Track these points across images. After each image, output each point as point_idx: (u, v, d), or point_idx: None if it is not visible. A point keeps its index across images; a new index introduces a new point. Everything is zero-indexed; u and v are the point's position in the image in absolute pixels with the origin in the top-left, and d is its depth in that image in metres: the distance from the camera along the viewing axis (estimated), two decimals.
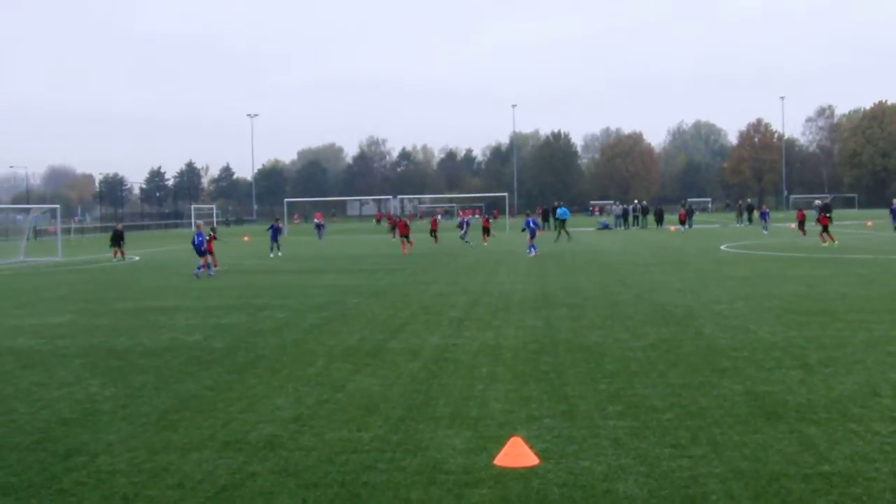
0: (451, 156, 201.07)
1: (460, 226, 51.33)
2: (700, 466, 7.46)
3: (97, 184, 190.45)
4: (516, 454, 7.68)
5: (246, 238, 47.70)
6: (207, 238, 31.69)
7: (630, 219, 76.01)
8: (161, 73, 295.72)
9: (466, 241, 48.05)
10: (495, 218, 56.52)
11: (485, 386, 10.92)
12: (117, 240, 44.60)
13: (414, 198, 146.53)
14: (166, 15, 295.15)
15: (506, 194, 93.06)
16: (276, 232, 43.52)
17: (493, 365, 12.34)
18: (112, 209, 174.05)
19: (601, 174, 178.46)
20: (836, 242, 38.98)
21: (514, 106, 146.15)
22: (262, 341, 15.22)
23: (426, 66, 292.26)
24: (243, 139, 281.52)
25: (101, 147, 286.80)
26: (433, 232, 53.18)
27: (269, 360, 13.29)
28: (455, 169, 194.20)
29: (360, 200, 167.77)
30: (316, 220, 66.02)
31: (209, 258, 31.42)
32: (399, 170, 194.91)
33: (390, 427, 9.01)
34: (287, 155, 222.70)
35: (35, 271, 37.42)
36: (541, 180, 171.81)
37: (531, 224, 39.79)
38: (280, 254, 42.18)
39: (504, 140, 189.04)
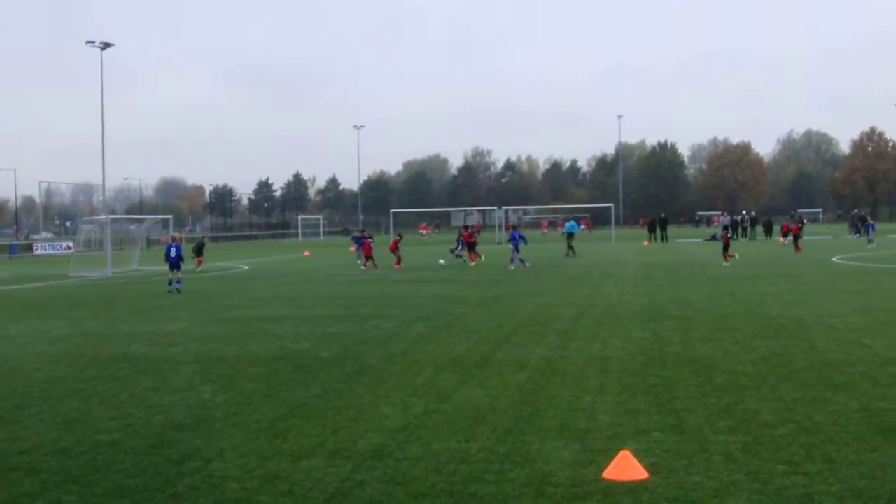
0: (555, 166, 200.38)
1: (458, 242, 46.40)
2: (815, 484, 7.28)
3: (207, 194, 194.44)
4: (625, 467, 7.60)
5: (351, 248, 48.21)
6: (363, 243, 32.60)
7: (738, 230, 74.63)
8: (270, 89, 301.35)
9: (459, 256, 45.70)
10: (478, 231, 49.07)
11: (593, 398, 10.84)
12: (200, 249, 46.76)
13: (518, 208, 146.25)
14: (275, 37, 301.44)
15: (611, 205, 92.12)
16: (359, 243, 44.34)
17: (601, 377, 12.24)
18: (222, 219, 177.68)
19: (708, 185, 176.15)
20: (728, 263, 37.57)
21: (619, 116, 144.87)
22: (370, 350, 15.35)
23: (530, 77, 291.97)
24: (349, 150, 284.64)
25: (210, 159, 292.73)
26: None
27: (377, 370, 13.40)
28: (560, 179, 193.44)
29: (464, 211, 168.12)
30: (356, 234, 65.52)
31: (180, 272, 30.67)
32: (504, 180, 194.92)
33: (498, 438, 9.00)
34: (392, 166, 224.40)
35: (148, 280, 38.33)
36: (647, 191, 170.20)
37: (516, 237, 39.40)
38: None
39: (610, 150, 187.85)
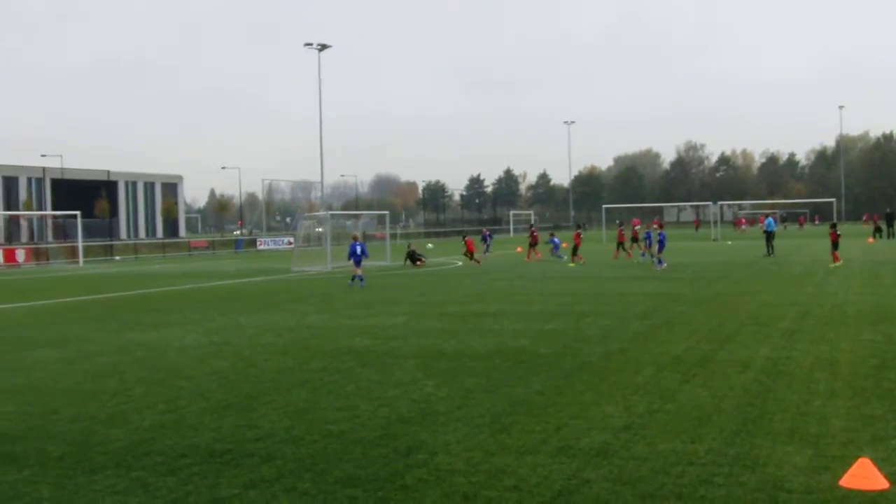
0: (772, 160, 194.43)
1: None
2: None
3: (420, 191, 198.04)
4: (864, 476, 7.27)
5: (564, 244, 48.17)
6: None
7: None
8: (482, 89, 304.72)
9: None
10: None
11: (823, 402, 10.44)
12: (414, 258, 46.83)
13: (734, 203, 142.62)
14: (488, 40, 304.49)
15: (833, 200, 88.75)
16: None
17: (831, 380, 11.78)
18: (434, 215, 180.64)
19: None
20: (839, 263, 35.07)
21: (841, 107, 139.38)
22: (588, 348, 15.27)
23: (742, 68, 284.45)
24: (560, 147, 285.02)
25: (423, 155, 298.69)
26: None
27: (596, 367, 13.32)
28: (776, 174, 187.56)
29: (677, 207, 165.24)
30: (483, 232, 63.86)
31: (360, 269, 32.13)
32: (718, 175, 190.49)
33: (725, 440, 8.79)
34: (603, 161, 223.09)
35: (366, 275, 39.35)
36: (870, 185, 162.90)
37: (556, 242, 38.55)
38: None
39: (830, 143, 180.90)
